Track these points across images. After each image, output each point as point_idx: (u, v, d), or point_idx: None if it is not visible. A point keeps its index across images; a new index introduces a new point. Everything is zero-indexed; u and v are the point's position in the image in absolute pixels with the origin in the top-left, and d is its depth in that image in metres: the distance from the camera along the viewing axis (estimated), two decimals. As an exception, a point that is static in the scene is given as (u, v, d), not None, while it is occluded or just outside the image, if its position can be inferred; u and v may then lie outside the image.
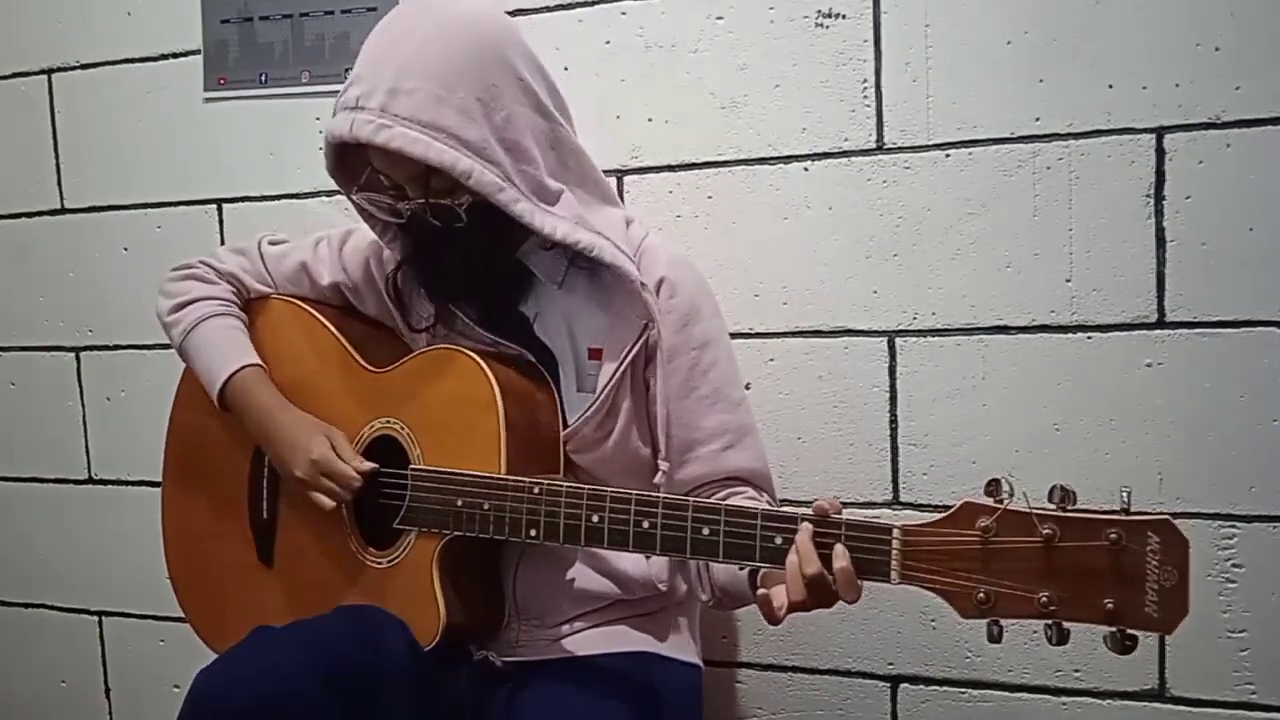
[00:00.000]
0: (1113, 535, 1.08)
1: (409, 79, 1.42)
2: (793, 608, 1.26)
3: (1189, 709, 1.78)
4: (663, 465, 1.56)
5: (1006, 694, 1.87)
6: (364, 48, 1.49)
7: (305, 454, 1.57)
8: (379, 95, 1.42)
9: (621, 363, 1.54)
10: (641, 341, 1.55)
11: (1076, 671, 1.82)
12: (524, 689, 1.55)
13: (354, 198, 1.56)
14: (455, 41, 1.44)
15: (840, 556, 1.21)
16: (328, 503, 1.57)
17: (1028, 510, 1.11)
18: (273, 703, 1.34)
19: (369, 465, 1.56)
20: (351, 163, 1.55)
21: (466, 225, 1.50)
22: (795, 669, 2.00)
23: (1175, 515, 1.10)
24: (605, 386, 1.54)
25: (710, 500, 1.35)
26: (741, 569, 1.43)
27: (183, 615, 1.82)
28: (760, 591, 1.29)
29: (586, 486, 1.42)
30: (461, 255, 1.55)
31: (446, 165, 1.41)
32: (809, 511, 1.26)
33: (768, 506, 1.33)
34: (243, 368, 1.67)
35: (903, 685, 1.94)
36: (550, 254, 1.59)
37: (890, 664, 1.94)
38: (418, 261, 1.62)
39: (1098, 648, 1.13)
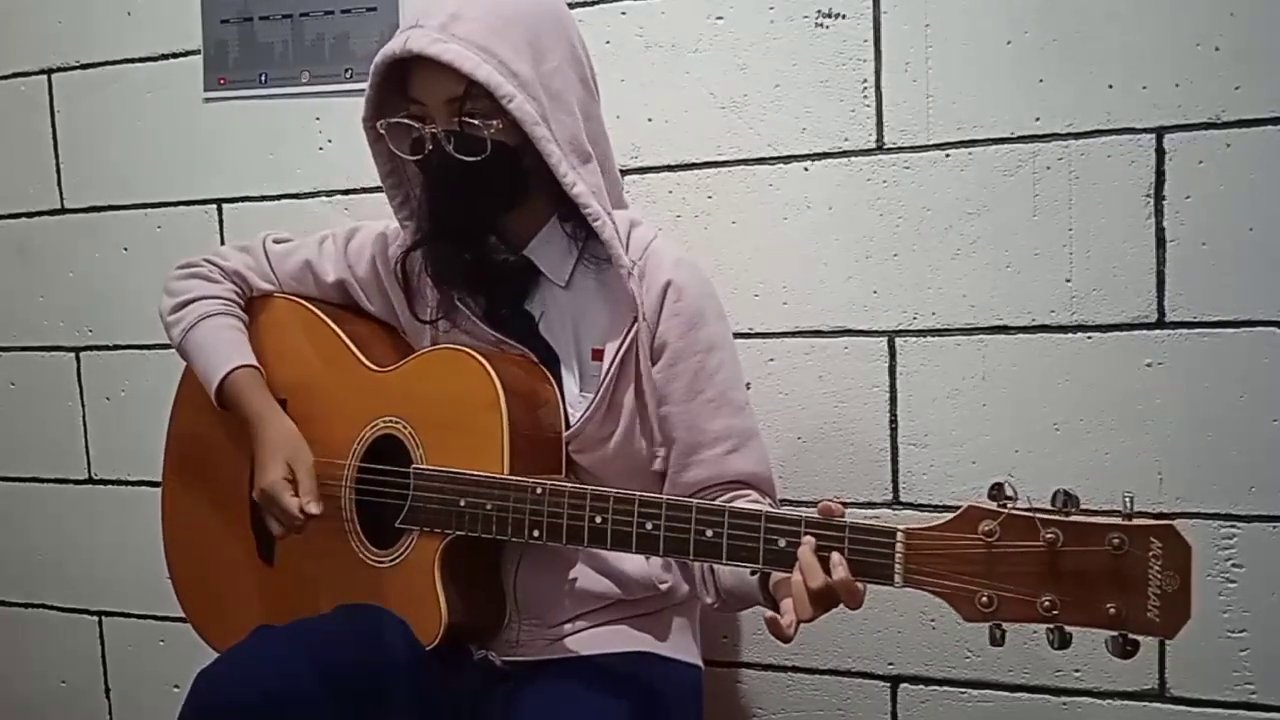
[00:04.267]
0: (1115, 540, 1.08)
1: (471, 9, 1.46)
2: (801, 622, 1.26)
3: (1189, 709, 1.78)
4: (659, 451, 1.58)
5: (1006, 694, 1.87)
6: None
7: (260, 479, 1.59)
8: (440, 16, 1.46)
9: (614, 357, 1.55)
10: (631, 333, 1.55)
11: (1076, 671, 1.83)
12: (524, 688, 1.55)
13: (378, 126, 1.55)
14: None
15: (839, 567, 1.21)
16: (275, 528, 1.59)
17: (1031, 515, 1.12)
18: (274, 702, 1.35)
19: (316, 510, 1.55)
20: (388, 109, 1.56)
21: (485, 165, 1.49)
22: (795, 669, 2.00)
23: (1175, 515, 1.11)
24: (603, 381, 1.55)
25: (714, 502, 1.36)
26: (753, 574, 1.43)
27: (183, 615, 1.83)
28: (768, 614, 1.29)
29: (590, 487, 1.42)
30: (474, 203, 1.55)
31: (493, 85, 1.44)
32: (813, 514, 1.26)
33: (771, 509, 1.33)
34: (236, 369, 1.67)
35: (903, 685, 1.94)
36: (557, 250, 1.60)
37: (890, 664, 1.94)
38: (430, 218, 1.61)
39: (1098, 648, 1.13)
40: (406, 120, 1.53)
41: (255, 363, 1.69)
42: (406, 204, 1.64)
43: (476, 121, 1.48)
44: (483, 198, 1.55)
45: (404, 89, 1.53)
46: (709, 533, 1.31)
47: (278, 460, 1.59)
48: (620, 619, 1.63)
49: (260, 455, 1.62)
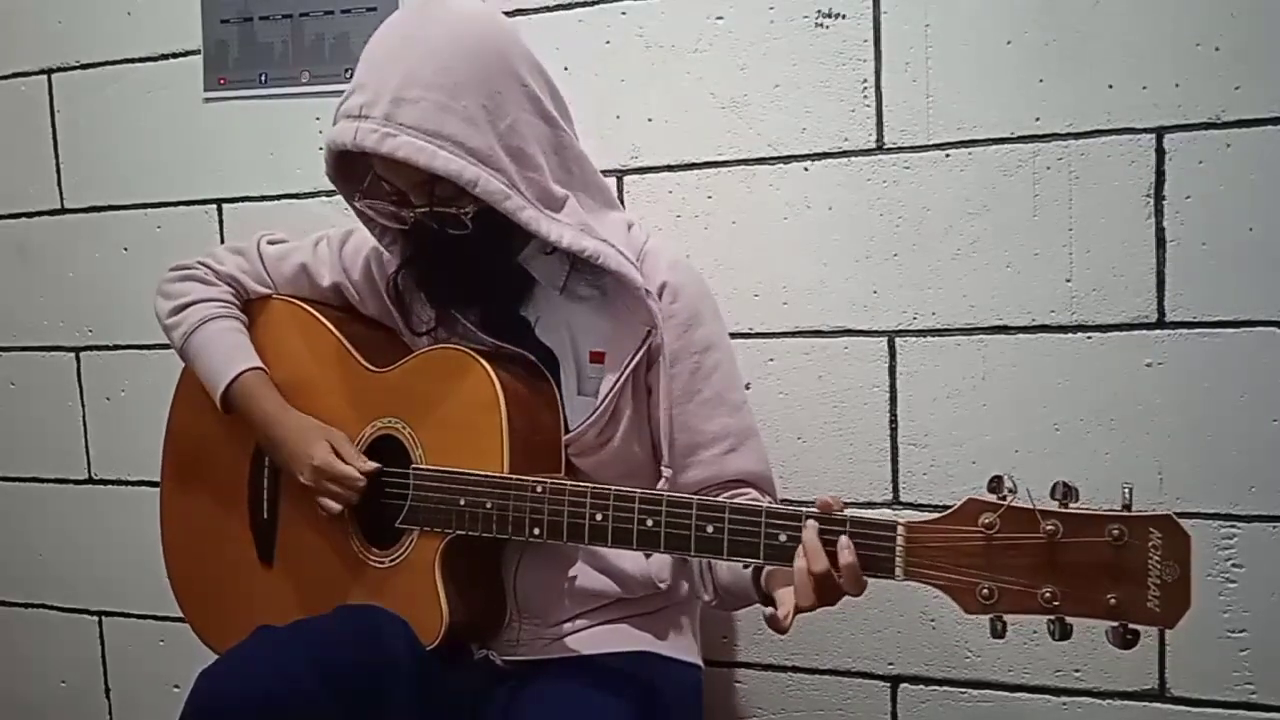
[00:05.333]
0: (1115, 531, 1.08)
1: (413, 87, 1.41)
2: (799, 610, 1.26)
3: (1189, 709, 1.78)
4: (665, 472, 1.57)
5: (1006, 694, 1.87)
6: (365, 54, 1.49)
7: (307, 460, 1.58)
8: (383, 104, 1.42)
9: (623, 371, 1.55)
10: (644, 349, 1.55)
11: (1076, 671, 1.82)
12: (525, 688, 1.55)
13: (356, 204, 1.56)
14: (458, 48, 1.44)
15: (846, 551, 1.22)
16: (334, 507, 1.58)
17: (1031, 507, 1.12)
18: (274, 703, 1.34)
19: (372, 465, 1.57)
20: (352, 169, 1.55)
21: (469, 231, 1.50)
22: (795, 669, 2.00)
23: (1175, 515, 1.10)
24: (607, 395, 1.55)
25: (714, 498, 1.35)
26: (746, 567, 1.43)
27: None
28: (767, 611, 1.29)
29: (590, 485, 1.42)
30: (463, 260, 1.55)
31: (453, 174, 1.41)
32: (813, 509, 1.26)
33: (771, 504, 1.33)
34: (244, 372, 1.67)
35: (903, 685, 1.94)
36: (552, 259, 1.59)
37: (890, 664, 1.94)
38: (418, 265, 1.62)
39: (1098, 647, 1.13)
40: (383, 203, 1.53)
41: (260, 364, 1.69)
42: (387, 232, 1.62)
43: (451, 209, 1.48)
44: (474, 250, 1.54)
45: (365, 155, 1.50)
46: (710, 528, 1.31)
47: (316, 440, 1.59)
48: (620, 618, 1.63)
49: (292, 446, 1.61)
